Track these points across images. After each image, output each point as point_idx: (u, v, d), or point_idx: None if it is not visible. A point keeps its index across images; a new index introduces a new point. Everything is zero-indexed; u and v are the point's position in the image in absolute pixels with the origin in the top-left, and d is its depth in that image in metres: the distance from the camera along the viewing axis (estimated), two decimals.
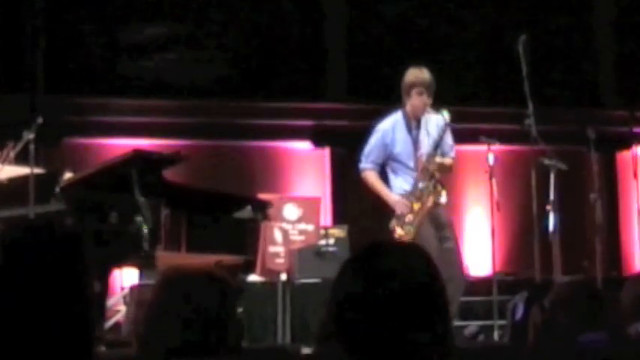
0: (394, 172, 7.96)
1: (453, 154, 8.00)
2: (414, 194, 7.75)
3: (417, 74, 7.80)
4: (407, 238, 7.68)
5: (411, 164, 7.85)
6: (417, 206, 7.73)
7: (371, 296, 2.07)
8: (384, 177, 8.07)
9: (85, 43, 12.33)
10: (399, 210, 7.75)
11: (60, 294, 2.04)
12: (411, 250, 2.20)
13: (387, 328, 2.05)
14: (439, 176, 7.80)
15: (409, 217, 7.71)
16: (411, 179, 7.84)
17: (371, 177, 7.98)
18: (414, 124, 7.86)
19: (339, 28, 13.12)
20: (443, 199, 7.77)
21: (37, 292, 2.03)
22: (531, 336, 3.84)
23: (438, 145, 7.77)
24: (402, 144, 7.86)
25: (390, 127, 7.91)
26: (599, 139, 9.37)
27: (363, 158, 8.02)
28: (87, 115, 11.88)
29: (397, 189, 7.90)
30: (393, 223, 7.78)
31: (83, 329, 2.06)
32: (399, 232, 7.74)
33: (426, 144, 7.82)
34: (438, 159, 7.78)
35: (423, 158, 7.76)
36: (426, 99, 7.74)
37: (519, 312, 5.08)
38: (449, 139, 8.01)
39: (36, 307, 2.02)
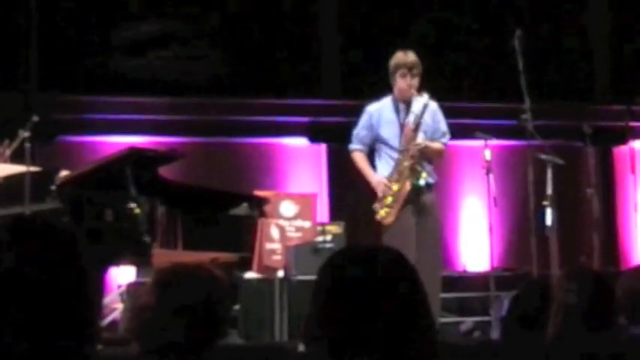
0: (379, 155, 7.93)
1: (445, 139, 7.92)
2: (394, 175, 7.72)
3: (399, 57, 7.80)
4: (387, 221, 7.65)
5: (397, 146, 7.80)
6: (396, 188, 7.69)
7: (348, 296, 2.09)
8: (373, 161, 8.04)
9: (79, 40, 12.31)
10: (379, 192, 7.74)
11: (58, 293, 2.02)
12: (383, 250, 2.22)
13: (366, 327, 2.06)
14: (422, 158, 7.71)
15: (389, 200, 7.68)
16: (393, 162, 7.80)
17: (358, 157, 7.97)
18: (402, 107, 7.81)
19: (334, 23, 13.11)
20: (421, 181, 7.67)
21: (34, 291, 2.01)
22: (559, 323, 3.79)
23: (418, 125, 7.70)
24: (388, 125, 7.82)
25: (377, 108, 7.90)
26: (595, 133, 9.38)
27: (352, 139, 8.02)
28: (82, 112, 11.86)
29: (380, 172, 7.87)
30: (376, 204, 7.77)
31: (83, 329, 2.05)
32: (380, 213, 7.72)
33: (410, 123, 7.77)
34: (420, 139, 7.70)
35: (405, 139, 7.70)
36: (410, 80, 7.70)
37: (503, 308, 5.07)
38: (442, 125, 7.93)
39: (33, 307, 2.00)
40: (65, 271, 2.05)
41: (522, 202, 9.14)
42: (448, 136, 7.97)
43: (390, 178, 7.72)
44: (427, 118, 7.80)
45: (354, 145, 7.99)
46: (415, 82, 7.71)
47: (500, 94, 12.13)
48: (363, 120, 7.96)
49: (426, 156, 7.77)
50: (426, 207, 7.75)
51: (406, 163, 7.69)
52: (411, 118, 7.73)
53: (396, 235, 7.49)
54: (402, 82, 7.72)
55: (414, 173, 7.66)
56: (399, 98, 7.81)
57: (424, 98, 7.70)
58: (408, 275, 2.15)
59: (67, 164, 7.76)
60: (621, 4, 13.79)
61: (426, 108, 7.69)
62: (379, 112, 7.87)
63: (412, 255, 7.19)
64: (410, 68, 7.69)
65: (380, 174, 7.85)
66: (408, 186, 7.66)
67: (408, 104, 7.80)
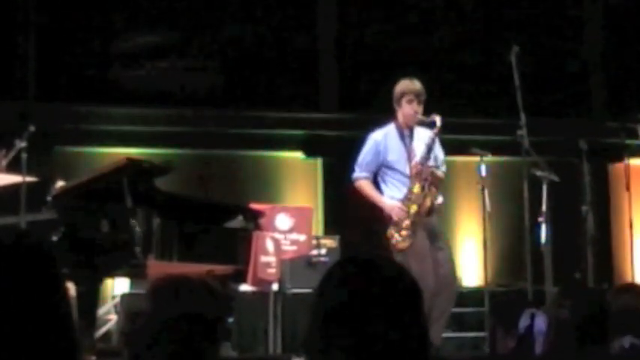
0: (385, 181, 7.93)
1: (444, 168, 7.99)
2: (409, 199, 7.73)
3: (406, 84, 7.86)
4: (404, 245, 7.64)
5: (406, 171, 7.83)
6: (413, 209, 7.70)
7: (351, 308, 2.10)
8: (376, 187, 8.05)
9: (77, 51, 12.32)
10: (395, 216, 7.72)
11: (34, 309, 2.01)
12: (383, 260, 2.23)
13: (368, 336, 2.08)
14: (431, 180, 7.77)
15: (406, 223, 7.68)
16: (403, 187, 7.81)
17: (365, 186, 7.95)
18: (406, 132, 7.86)
19: (331, 38, 13.14)
20: (440, 199, 7.77)
21: (10, 307, 1.99)
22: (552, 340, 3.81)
23: (430, 150, 7.76)
24: (395, 151, 7.85)
25: (382, 135, 7.92)
26: (591, 150, 9.38)
27: (356, 168, 8.00)
28: (79, 123, 11.86)
29: (388, 196, 7.88)
30: (391, 229, 7.74)
31: (64, 342, 2.04)
32: (396, 237, 7.70)
33: (419, 152, 7.81)
34: (431, 163, 7.76)
35: (417, 162, 7.75)
36: (416, 106, 7.76)
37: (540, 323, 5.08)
38: (440, 153, 8.00)
39: (11, 323, 1.98)
40: (40, 287, 2.04)
41: (517, 218, 9.14)
42: (445, 166, 8.03)
43: (404, 202, 7.73)
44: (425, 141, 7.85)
45: (358, 174, 7.97)
46: (421, 108, 7.77)
47: (496, 110, 12.16)
48: (368, 147, 7.95)
49: (434, 182, 7.82)
50: (435, 229, 7.83)
51: (418, 187, 7.71)
52: (421, 146, 7.79)
53: (413, 260, 7.48)
54: (409, 108, 7.76)
55: (432, 193, 7.71)
56: (403, 124, 7.85)
57: (437, 122, 7.74)
58: (409, 288, 2.16)
59: (63, 175, 7.76)
60: (616, 22, 13.83)
61: (435, 138, 7.76)
62: (385, 139, 7.89)
63: (431, 279, 7.24)
64: (417, 95, 7.76)
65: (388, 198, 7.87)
66: (427, 204, 7.68)
67: (411, 130, 7.85)
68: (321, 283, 2.18)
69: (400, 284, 2.14)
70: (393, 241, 7.69)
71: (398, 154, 7.84)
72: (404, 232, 7.68)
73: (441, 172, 7.93)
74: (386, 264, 2.19)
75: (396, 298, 2.11)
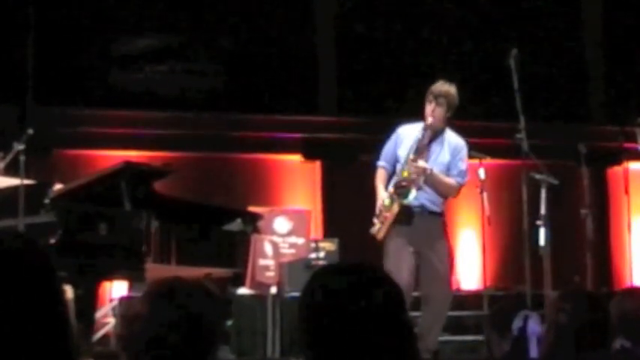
0: (395, 173, 7.92)
1: (460, 179, 7.84)
2: (390, 193, 7.72)
3: (435, 85, 7.79)
4: (379, 236, 7.61)
5: None
6: (387, 203, 7.67)
7: (334, 311, 2.12)
8: None
9: (76, 54, 12.33)
10: (377, 207, 7.73)
11: (31, 312, 2.00)
12: (365, 266, 2.26)
13: (352, 340, 2.09)
14: (417, 181, 7.66)
15: (382, 216, 7.66)
16: None
17: (377, 174, 7.94)
18: (427, 134, 7.78)
19: (330, 41, 13.15)
20: (405, 200, 7.63)
21: (7, 310, 1.99)
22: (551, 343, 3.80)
23: (417, 150, 7.67)
24: (407, 148, 7.81)
25: (406, 130, 7.88)
26: (590, 154, 9.38)
27: (380, 155, 8.01)
28: (77, 126, 11.87)
29: (389, 189, 7.87)
30: (374, 218, 7.75)
31: (61, 345, 2.03)
32: (376, 227, 7.70)
33: (433, 158, 7.73)
34: (421, 163, 7.64)
35: (409, 159, 7.69)
36: (433, 106, 7.68)
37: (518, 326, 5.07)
38: (460, 164, 7.87)
39: (8, 325, 1.98)
40: (38, 291, 2.03)
41: (516, 222, 9.13)
42: (466, 178, 7.89)
43: (389, 196, 7.71)
44: (446, 151, 7.78)
45: (378, 162, 7.99)
46: (438, 111, 7.67)
47: (495, 113, 12.15)
48: (391, 138, 7.96)
49: (431, 183, 7.71)
50: (429, 238, 7.70)
51: (395, 185, 7.67)
52: (435, 153, 7.75)
53: (391, 259, 7.47)
54: (427, 108, 7.72)
55: (403, 191, 7.62)
56: (427, 125, 7.79)
57: (427, 121, 7.71)
58: (390, 291, 2.18)
59: (61, 177, 7.75)
60: (616, 27, 13.84)
61: (426, 131, 7.69)
62: (405, 133, 7.85)
63: (404, 280, 7.16)
64: (436, 96, 7.68)
65: (388, 190, 7.85)
66: (395, 207, 7.63)
67: (436, 132, 7.77)
68: (305, 290, 2.21)
69: (382, 288, 2.16)
70: (372, 229, 7.67)
71: (408, 151, 7.79)
72: (378, 226, 7.66)
73: (452, 179, 7.78)
74: (368, 269, 2.22)
75: (377, 301, 2.13)
